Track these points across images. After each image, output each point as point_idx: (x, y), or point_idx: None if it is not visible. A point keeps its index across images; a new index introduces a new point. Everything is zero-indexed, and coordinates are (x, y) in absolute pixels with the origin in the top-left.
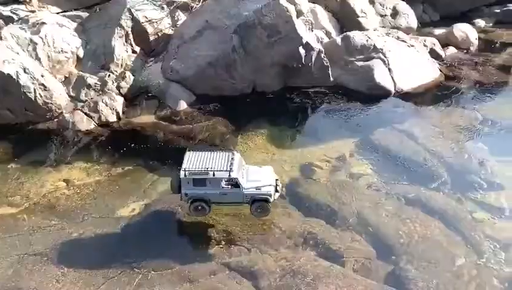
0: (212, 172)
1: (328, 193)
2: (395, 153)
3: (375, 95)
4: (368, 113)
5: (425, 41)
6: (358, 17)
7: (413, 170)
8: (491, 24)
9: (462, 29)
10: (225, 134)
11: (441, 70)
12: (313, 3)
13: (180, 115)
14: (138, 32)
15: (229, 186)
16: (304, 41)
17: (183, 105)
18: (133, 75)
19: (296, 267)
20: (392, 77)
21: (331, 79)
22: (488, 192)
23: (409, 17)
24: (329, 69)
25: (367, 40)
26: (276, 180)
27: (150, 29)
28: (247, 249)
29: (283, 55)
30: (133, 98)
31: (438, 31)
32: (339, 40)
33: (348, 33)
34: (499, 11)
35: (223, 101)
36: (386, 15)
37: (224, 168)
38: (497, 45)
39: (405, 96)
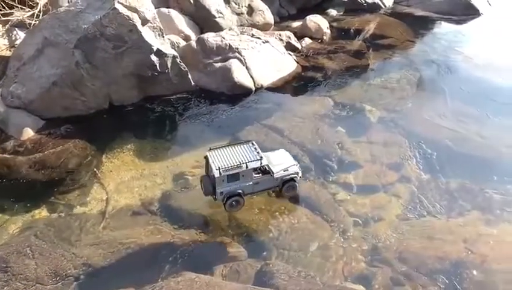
0: (244, 164)
1: (202, 200)
2: (262, 148)
3: (236, 94)
4: (232, 113)
5: (280, 35)
6: (215, 17)
7: None
8: (341, 13)
9: (314, 20)
10: (85, 156)
11: (298, 62)
12: (167, 7)
13: (26, 144)
14: None
15: (260, 175)
16: (155, 49)
17: (28, 133)
18: None
19: (158, 287)
20: (250, 75)
21: (192, 83)
22: (348, 172)
23: (265, 13)
24: (189, 73)
25: (221, 41)
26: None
27: None
28: None
29: (134, 65)
30: None
31: (295, 24)
32: (194, 43)
33: (202, 35)
34: (346, 0)
35: (77, 122)
36: (242, 13)
37: (254, 158)
38: (352, 31)
39: (266, 91)
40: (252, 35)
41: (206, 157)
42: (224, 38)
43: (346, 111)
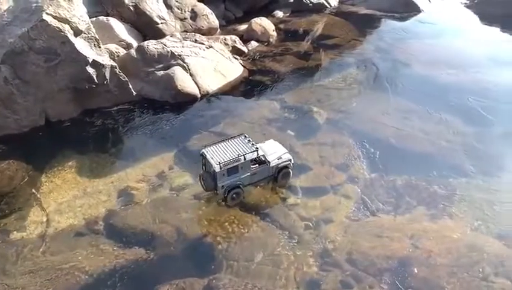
0: (242, 156)
1: (148, 215)
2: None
3: (181, 102)
4: (178, 122)
5: (225, 40)
6: (157, 24)
7: None
8: (288, 14)
9: (259, 23)
10: (22, 177)
11: (244, 66)
12: (106, 15)
13: None
14: None
15: (257, 165)
16: (90, 60)
17: None
18: None
19: None
20: (195, 82)
21: (134, 93)
22: (298, 176)
23: (210, 17)
24: (129, 83)
25: (163, 48)
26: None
27: None
28: None
29: (70, 78)
30: None
31: (242, 27)
32: (133, 51)
33: (142, 43)
34: (292, 1)
35: (10, 141)
36: (186, 18)
37: (250, 150)
38: (299, 33)
39: (212, 98)
40: (195, 41)
41: (202, 155)
42: (165, 45)
43: (295, 114)
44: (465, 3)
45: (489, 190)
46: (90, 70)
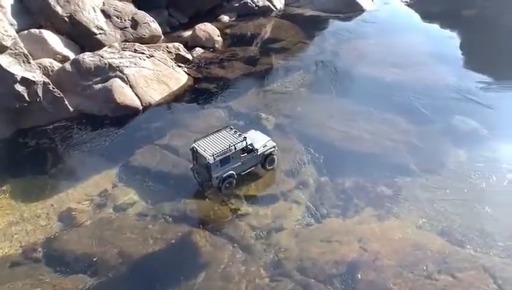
0: (233, 146)
1: (91, 237)
2: (156, 171)
3: (122, 115)
4: (119, 137)
5: (168, 48)
6: (95, 34)
7: (176, 185)
8: (234, 18)
9: (203, 29)
10: None
11: (189, 74)
12: (39, 28)
13: None
14: None
15: (245, 154)
16: (19, 78)
17: None
18: None
19: None
20: (136, 93)
21: (71, 109)
22: (248, 184)
23: (151, 25)
24: (65, 99)
25: (100, 60)
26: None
27: None
28: None
29: None
30: None
31: (187, 33)
32: (68, 65)
33: (78, 56)
34: (238, 5)
35: None
36: (126, 27)
37: (238, 140)
38: (245, 37)
39: (156, 109)
40: (135, 51)
41: (193, 149)
42: (102, 57)
43: (243, 121)
44: (406, 2)
45: (432, 187)
46: (20, 88)
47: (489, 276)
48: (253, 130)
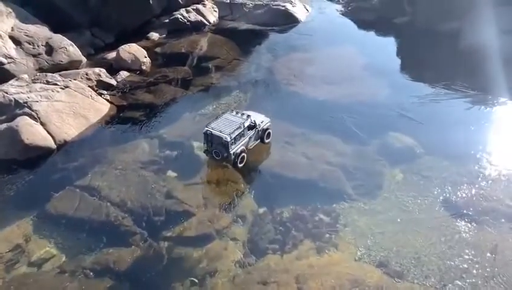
0: (242, 124)
1: None
2: (75, 218)
3: (33, 157)
4: (33, 181)
5: (87, 74)
6: (2, 64)
7: (97, 232)
8: (164, 35)
9: (128, 50)
10: None
11: (112, 102)
12: None
13: None
14: None
15: (249, 130)
16: None
17: None
18: None
19: None
20: (48, 131)
21: None
22: (181, 224)
23: (69, 49)
24: None
25: (4, 96)
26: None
27: None
28: None
29: None
30: None
31: (112, 55)
32: None
33: None
34: (168, 20)
35: None
36: (40, 54)
37: (244, 118)
38: (176, 56)
39: (73, 146)
40: (47, 82)
41: (206, 133)
42: (7, 92)
43: (176, 151)
44: (341, 11)
45: (369, 212)
46: None
47: None
48: (250, 111)
